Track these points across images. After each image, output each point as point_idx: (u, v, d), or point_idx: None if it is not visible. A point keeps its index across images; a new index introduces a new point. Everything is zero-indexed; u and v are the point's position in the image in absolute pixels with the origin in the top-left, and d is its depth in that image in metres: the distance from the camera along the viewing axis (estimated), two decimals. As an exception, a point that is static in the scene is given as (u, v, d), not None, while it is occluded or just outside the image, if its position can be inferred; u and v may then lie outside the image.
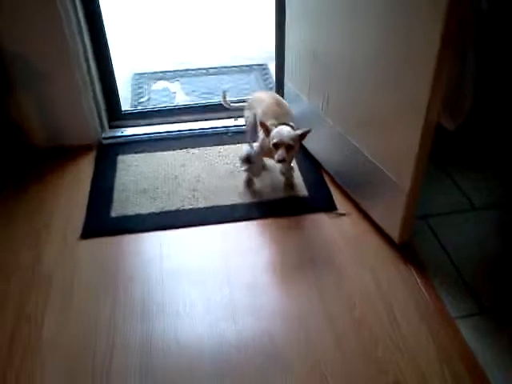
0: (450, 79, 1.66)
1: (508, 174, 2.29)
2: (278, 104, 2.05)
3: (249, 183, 2.16)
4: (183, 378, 1.52)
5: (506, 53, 2.23)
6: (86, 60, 2.25)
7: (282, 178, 2.22)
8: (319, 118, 2.14)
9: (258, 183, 2.20)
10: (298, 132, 1.88)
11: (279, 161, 1.84)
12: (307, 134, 1.90)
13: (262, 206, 2.09)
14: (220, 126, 2.55)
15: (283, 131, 1.86)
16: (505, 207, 2.11)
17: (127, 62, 3.21)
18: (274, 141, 1.84)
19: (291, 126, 1.92)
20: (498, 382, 1.51)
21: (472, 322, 1.67)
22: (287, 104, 2.13)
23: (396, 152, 1.77)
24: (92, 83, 2.32)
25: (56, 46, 2.11)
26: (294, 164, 2.26)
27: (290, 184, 2.19)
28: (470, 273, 1.82)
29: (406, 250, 1.90)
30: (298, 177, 2.24)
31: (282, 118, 1.97)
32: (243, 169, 2.17)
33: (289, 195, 2.15)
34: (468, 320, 1.68)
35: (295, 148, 1.89)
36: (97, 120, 2.41)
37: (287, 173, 2.18)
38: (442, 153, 2.25)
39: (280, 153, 1.83)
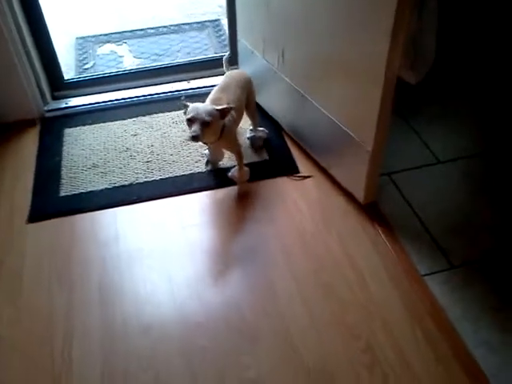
0: (410, 30, 1.58)
1: (471, 124, 2.25)
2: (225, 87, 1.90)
3: (207, 163, 2.04)
4: (149, 363, 1.45)
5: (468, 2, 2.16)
6: (18, 26, 2.05)
7: (246, 142, 2.11)
8: (275, 75, 2.03)
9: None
10: (218, 107, 1.70)
11: (192, 137, 1.64)
12: (229, 112, 1.73)
13: (221, 174, 1.99)
14: (172, 90, 2.41)
15: (199, 105, 1.69)
16: (469, 159, 2.07)
17: (68, 25, 2.98)
18: (188, 116, 1.67)
19: (227, 107, 1.73)
20: (468, 335, 1.50)
21: (441, 277, 1.66)
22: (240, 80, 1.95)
23: (357, 109, 1.69)
24: (27, 52, 2.12)
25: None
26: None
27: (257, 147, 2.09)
28: (437, 228, 1.79)
29: (372, 209, 1.85)
30: (257, 140, 2.13)
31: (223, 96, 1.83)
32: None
33: (249, 161, 2.05)
34: (437, 276, 1.66)
35: (210, 125, 1.67)
36: (37, 92, 2.22)
37: (258, 140, 2.07)
38: (403, 104, 2.18)
39: (193, 128, 1.64)
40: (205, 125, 1.65)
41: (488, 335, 1.50)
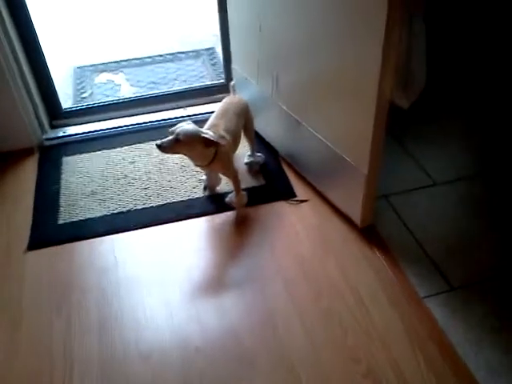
0: (400, 54, 1.61)
1: (466, 145, 2.28)
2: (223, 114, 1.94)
3: (205, 189, 2.06)
4: (148, 391, 1.44)
5: (457, 22, 2.21)
6: (15, 57, 2.09)
7: (243, 168, 2.15)
8: (270, 101, 2.07)
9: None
10: (201, 134, 1.71)
11: (156, 145, 1.68)
12: (214, 144, 1.73)
13: (219, 200, 2.00)
14: (169, 117, 2.44)
15: (184, 124, 1.74)
16: (465, 180, 2.09)
17: (65, 55, 3.03)
18: (171, 129, 1.73)
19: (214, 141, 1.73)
20: (469, 357, 1.50)
21: (441, 299, 1.65)
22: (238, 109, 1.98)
23: (351, 133, 1.71)
24: (25, 82, 2.16)
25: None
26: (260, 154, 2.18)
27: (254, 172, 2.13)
28: (435, 250, 1.80)
29: (370, 232, 1.86)
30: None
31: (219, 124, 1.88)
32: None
33: (246, 186, 2.06)
34: (437, 298, 1.66)
35: (185, 145, 1.71)
36: (35, 121, 2.25)
37: (255, 165, 2.13)
38: (397, 126, 2.21)
39: (164, 139, 1.69)
40: (176, 141, 1.69)
41: (490, 357, 1.50)
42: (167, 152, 1.73)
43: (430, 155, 2.20)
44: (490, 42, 2.34)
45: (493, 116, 2.38)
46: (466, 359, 1.49)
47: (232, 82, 2.13)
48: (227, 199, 1.97)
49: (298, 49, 1.80)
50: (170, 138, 1.70)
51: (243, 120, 1.99)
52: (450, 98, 2.45)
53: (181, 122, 1.79)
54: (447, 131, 2.34)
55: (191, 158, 1.82)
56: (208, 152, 1.77)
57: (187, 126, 1.73)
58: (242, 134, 2.04)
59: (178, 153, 1.76)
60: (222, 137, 1.82)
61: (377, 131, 1.60)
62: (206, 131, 1.78)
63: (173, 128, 1.72)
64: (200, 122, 1.92)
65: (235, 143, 1.94)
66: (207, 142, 1.72)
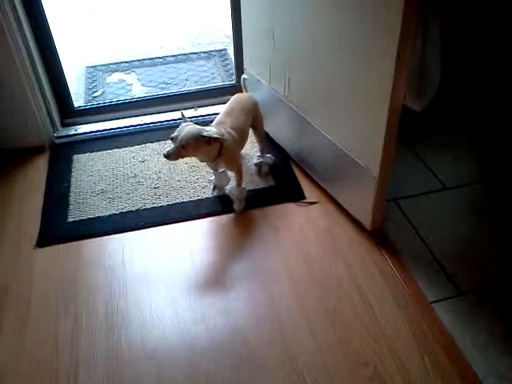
0: (414, 57, 1.60)
1: (476, 151, 2.27)
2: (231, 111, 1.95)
3: (214, 189, 2.06)
4: (154, 389, 1.44)
5: (471, 27, 2.19)
6: (30, 55, 2.11)
7: (253, 168, 2.15)
8: (281, 103, 2.06)
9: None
10: (203, 133, 1.70)
11: (164, 155, 1.68)
12: (217, 139, 1.72)
13: (228, 200, 2.00)
14: (180, 117, 2.43)
15: (185, 128, 1.71)
16: (474, 185, 2.08)
17: (78, 54, 3.06)
18: (172, 135, 1.71)
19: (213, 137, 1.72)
20: (477, 363, 1.48)
21: (449, 304, 1.64)
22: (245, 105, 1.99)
23: (362, 136, 1.71)
24: (38, 80, 2.18)
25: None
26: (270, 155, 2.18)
27: (263, 173, 2.14)
28: (444, 255, 1.79)
29: (379, 235, 1.85)
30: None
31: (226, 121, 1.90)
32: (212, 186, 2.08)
33: (255, 187, 2.07)
34: (445, 303, 1.65)
35: (191, 149, 1.70)
36: (47, 119, 2.27)
37: (265, 166, 2.14)
38: (409, 132, 2.20)
39: (170, 148, 1.68)
40: (182, 147, 1.68)
41: (498, 364, 1.48)
42: (175, 159, 1.71)
43: (440, 160, 2.19)
44: (507, 48, 2.32)
45: (506, 122, 2.36)
46: (473, 365, 1.48)
47: (243, 76, 2.12)
48: (227, 191, 2.00)
49: (311, 51, 1.79)
50: (175, 146, 1.68)
51: (251, 117, 1.99)
52: (462, 103, 2.43)
53: (193, 121, 1.82)
54: (459, 136, 2.33)
55: (197, 156, 1.82)
56: (212, 149, 1.77)
57: (188, 129, 1.71)
58: (252, 133, 2.04)
59: (185, 157, 1.75)
60: (229, 133, 1.83)
61: (388, 135, 1.59)
62: (209, 129, 1.77)
63: (173, 134, 1.71)
64: (211, 122, 1.93)
65: (242, 140, 1.95)
66: (210, 140, 1.72)
